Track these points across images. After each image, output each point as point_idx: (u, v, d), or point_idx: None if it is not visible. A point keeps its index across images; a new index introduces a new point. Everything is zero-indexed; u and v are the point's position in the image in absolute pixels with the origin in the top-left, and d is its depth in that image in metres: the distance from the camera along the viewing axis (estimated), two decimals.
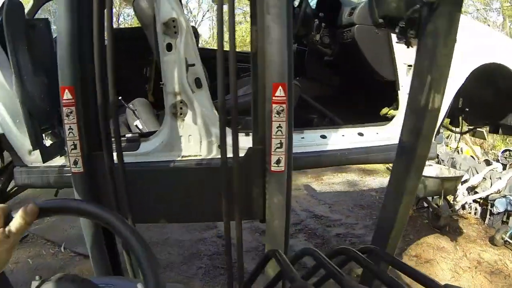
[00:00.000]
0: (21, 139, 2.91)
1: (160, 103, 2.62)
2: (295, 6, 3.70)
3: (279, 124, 1.74)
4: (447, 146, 8.20)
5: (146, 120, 3.07)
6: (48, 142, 2.90)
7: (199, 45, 4.51)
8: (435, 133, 3.11)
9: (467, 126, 4.14)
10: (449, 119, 4.01)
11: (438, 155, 7.62)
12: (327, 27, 3.75)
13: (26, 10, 2.85)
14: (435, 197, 5.20)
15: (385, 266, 1.17)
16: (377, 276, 0.89)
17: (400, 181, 1.65)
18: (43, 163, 2.76)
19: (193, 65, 2.34)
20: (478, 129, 4.11)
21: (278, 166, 1.80)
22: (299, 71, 4.26)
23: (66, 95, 1.85)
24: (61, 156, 2.91)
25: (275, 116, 1.74)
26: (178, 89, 2.32)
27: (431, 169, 5.83)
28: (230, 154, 1.84)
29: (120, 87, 2.84)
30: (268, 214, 1.94)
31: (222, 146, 1.80)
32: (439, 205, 5.10)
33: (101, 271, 2.08)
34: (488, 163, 7.27)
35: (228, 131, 1.82)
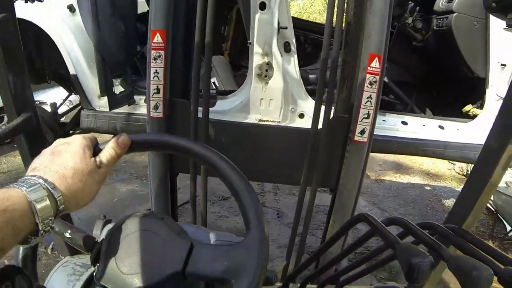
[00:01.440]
0: (92, 82, 3.19)
1: (237, 63, 2.78)
2: None
3: (370, 95, 1.89)
4: None
5: (224, 78, 3.25)
6: (118, 89, 3.14)
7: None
8: None
9: None
10: None
11: None
12: (422, 10, 3.76)
13: None
14: None
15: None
16: (466, 251, 1.03)
17: (477, 186, 1.80)
18: (110, 110, 3.01)
19: (285, 28, 2.46)
20: None
21: (361, 136, 1.96)
22: None
23: (157, 39, 2.03)
24: (128, 105, 3.18)
25: (367, 86, 1.88)
26: (267, 50, 2.44)
27: None
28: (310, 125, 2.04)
29: None
30: (342, 183, 2.11)
31: (316, 111, 1.99)
32: None
33: (160, 210, 2.29)
34: None
35: (312, 101, 2.00)
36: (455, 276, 0.85)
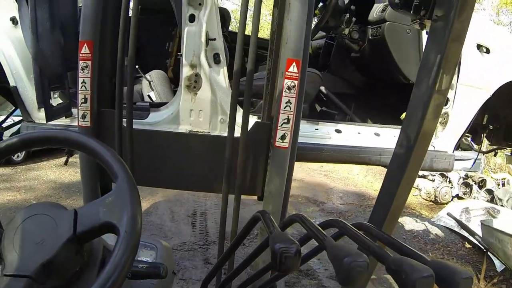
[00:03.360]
0: (31, 94, 3.12)
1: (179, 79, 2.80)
2: None
3: (289, 100, 1.90)
4: (485, 173, 7.96)
5: (161, 92, 3.23)
6: (57, 101, 3.08)
7: (229, 29, 4.70)
8: (455, 144, 3.24)
9: (490, 145, 4.23)
10: (470, 135, 4.09)
11: (492, 190, 7.56)
12: (358, 22, 3.80)
13: None
14: None
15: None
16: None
17: (392, 187, 1.84)
18: (47, 122, 2.94)
19: (214, 39, 2.44)
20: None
21: (282, 142, 1.96)
22: (326, 66, 4.41)
23: (84, 49, 2.08)
24: (66, 117, 3.12)
25: (285, 91, 1.90)
26: (195, 61, 2.42)
27: (503, 219, 5.29)
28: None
29: (141, 59, 3.05)
30: (267, 190, 2.10)
31: (231, 114, 1.99)
32: None
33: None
34: None
35: (240, 110, 2.04)
36: (393, 278, 0.77)
